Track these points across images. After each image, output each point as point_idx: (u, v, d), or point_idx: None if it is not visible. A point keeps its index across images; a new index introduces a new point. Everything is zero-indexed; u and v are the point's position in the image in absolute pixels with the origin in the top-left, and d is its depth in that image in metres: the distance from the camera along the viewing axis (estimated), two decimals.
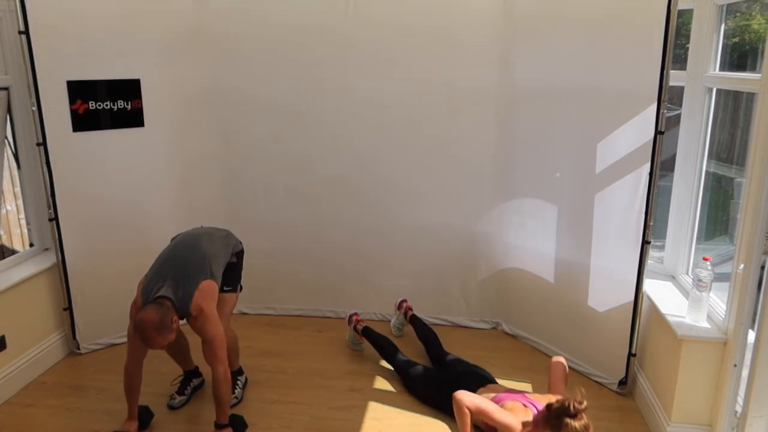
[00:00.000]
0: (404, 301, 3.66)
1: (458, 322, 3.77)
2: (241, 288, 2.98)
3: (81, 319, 3.38)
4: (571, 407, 2.18)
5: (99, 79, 3.22)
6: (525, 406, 2.42)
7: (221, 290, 2.73)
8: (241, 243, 2.95)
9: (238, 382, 3.02)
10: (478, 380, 2.80)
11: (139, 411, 2.71)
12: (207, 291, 2.53)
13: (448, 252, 3.70)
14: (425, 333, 3.39)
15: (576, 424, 2.17)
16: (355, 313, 3.53)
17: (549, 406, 2.26)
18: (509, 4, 3.24)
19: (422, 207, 3.66)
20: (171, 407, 2.92)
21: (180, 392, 2.98)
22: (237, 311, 3.90)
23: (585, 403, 2.20)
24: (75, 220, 3.25)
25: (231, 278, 2.85)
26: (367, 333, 3.36)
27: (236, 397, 2.95)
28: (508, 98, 3.36)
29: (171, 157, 3.56)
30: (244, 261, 3.01)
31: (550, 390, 2.59)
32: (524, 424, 2.35)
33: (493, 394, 2.59)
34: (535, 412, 2.38)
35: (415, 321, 3.50)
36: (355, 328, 3.45)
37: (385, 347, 3.25)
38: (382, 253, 3.77)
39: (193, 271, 2.54)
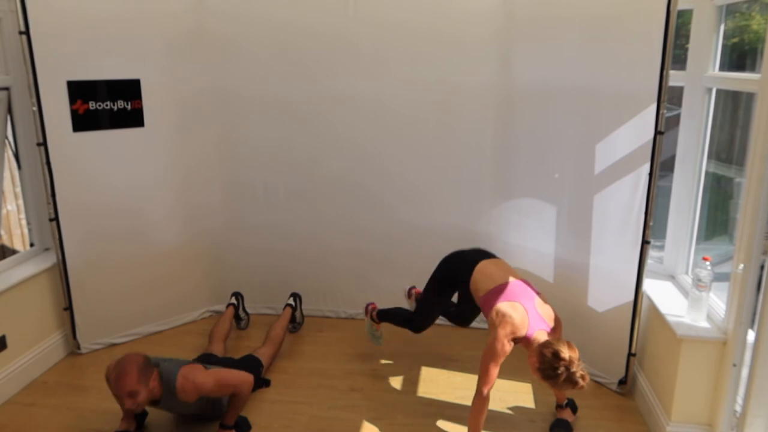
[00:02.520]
0: (413, 288, 3.59)
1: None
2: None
3: (81, 318, 3.38)
4: (574, 379, 2.26)
5: (99, 80, 3.22)
6: (526, 311, 2.48)
7: None
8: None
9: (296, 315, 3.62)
10: (483, 255, 2.86)
11: None
12: (192, 366, 2.58)
13: (448, 252, 3.69)
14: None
15: (567, 384, 2.28)
16: (372, 303, 3.52)
17: (554, 354, 2.27)
18: (509, 4, 3.24)
19: (422, 207, 3.66)
20: None
21: None
22: None
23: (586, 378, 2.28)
24: (75, 219, 3.26)
25: None
26: (382, 313, 3.32)
27: (299, 323, 3.69)
28: (508, 98, 3.36)
29: (171, 157, 3.57)
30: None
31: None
32: (516, 340, 2.47)
33: (501, 281, 2.62)
34: (533, 326, 2.45)
35: None
36: (371, 317, 3.42)
37: (401, 314, 3.22)
38: (381, 253, 3.78)
39: (179, 360, 2.64)
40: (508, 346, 2.45)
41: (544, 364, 2.30)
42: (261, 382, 3.04)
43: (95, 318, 3.42)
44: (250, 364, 2.99)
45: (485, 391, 2.48)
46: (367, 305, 3.53)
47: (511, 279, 2.65)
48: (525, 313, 2.47)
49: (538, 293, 2.63)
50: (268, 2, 3.49)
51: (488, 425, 2.76)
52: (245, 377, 2.59)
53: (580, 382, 2.25)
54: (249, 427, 2.74)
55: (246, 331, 3.76)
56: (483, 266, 2.76)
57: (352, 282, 3.86)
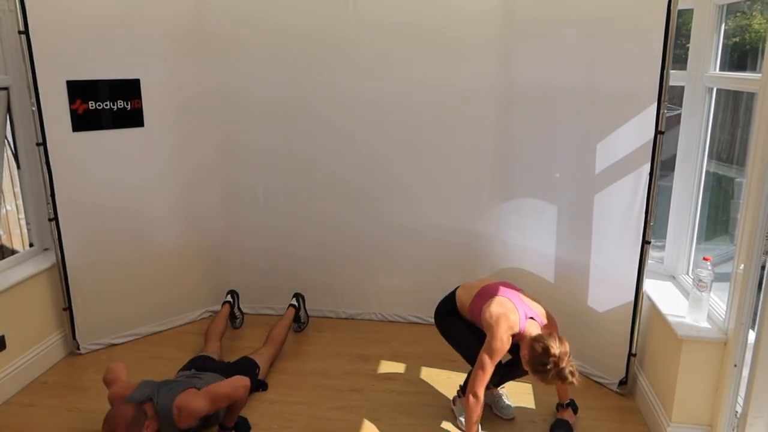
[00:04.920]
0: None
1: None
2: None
3: (81, 319, 3.38)
4: (563, 375, 2.29)
5: (99, 79, 3.21)
6: (513, 304, 2.52)
7: None
8: None
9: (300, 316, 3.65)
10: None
11: None
12: (185, 395, 2.55)
13: (448, 252, 3.70)
14: None
15: (556, 380, 2.33)
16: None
17: (544, 350, 2.31)
18: (509, 4, 3.24)
19: (422, 207, 3.66)
20: None
21: None
22: None
23: (575, 375, 2.31)
24: (75, 220, 3.25)
25: None
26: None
27: (304, 323, 3.71)
28: (508, 98, 3.35)
29: (170, 156, 3.56)
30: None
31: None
32: (513, 335, 2.48)
33: (481, 286, 2.66)
34: (522, 317, 2.48)
35: None
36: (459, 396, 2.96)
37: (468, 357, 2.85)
38: (381, 253, 3.77)
39: (181, 383, 2.62)
40: (507, 343, 2.47)
41: (534, 358, 2.34)
42: (257, 385, 3.02)
43: (95, 318, 3.42)
44: (244, 367, 2.98)
45: (480, 391, 2.50)
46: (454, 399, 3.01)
47: (490, 282, 2.70)
48: (513, 306, 2.51)
49: (520, 290, 2.67)
50: (268, 3, 3.48)
51: (488, 426, 2.76)
52: (240, 382, 2.56)
53: (569, 378, 2.29)
54: (249, 427, 2.74)
55: (241, 331, 3.75)
56: (461, 287, 2.81)
57: (352, 282, 3.86)
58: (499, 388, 2.95)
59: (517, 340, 2.51)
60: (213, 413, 2.65)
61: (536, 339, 2.36)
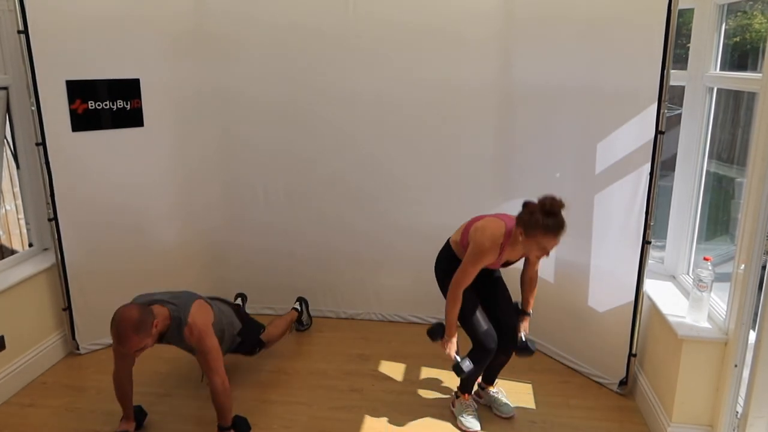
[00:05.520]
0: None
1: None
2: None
3: (80, 319, 3.38)
4: (546, 203, 2.33)
5: (98, 79, 3.21)
6: (498, 218, 2.59)
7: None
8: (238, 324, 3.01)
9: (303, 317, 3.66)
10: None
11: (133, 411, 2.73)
12: (203, 306, 2.62)
13: None
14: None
15: (549, 221, 2.33)
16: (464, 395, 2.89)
17: (524, 205, 2.40)
18: (509, 4, 3.23)
19: (421, 207, 3.65)
20: None
21: None
22: None
23: (561, 200, 2.33)
24: (74, 219, 3.25)
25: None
26: (465, 383, 2.85)
27: (306, 325, 3.70)
28: (508, 98, 3.35)
29: (170, 156, 3.56)
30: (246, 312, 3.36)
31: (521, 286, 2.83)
32: (502, 244, 2.53)
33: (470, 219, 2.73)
34: (508, 223, 2.53)
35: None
36: (456, 396, 2.91)
37: (475, 359, 2.72)
38: (382, 253, 3.77)
39: (189, 294, 2.67)
40: (490, 251, 2.52)
41: (522, 218, 2.39)
42: (257, 343, 3.10)
43: (94, 318, 3.41)
44: (254, 324, 3.10)
45: (459, 291, 2.58)
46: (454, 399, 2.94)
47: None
48: (501, 221, 2.57)
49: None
50: (268, 2, 3.48)
51: (488, 426, 2.76)
52: (222, 377, 2.55)
53: (549, 203, 2.31)
54: (248, 427, 2.73)
55: None
56: (453, 234, 2.84)
57: (351, 282, 3.85)
58: (494, 386, 2.95)
59: (512, 242, 2.52)
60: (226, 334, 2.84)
61: (520, 213, 2.42)
